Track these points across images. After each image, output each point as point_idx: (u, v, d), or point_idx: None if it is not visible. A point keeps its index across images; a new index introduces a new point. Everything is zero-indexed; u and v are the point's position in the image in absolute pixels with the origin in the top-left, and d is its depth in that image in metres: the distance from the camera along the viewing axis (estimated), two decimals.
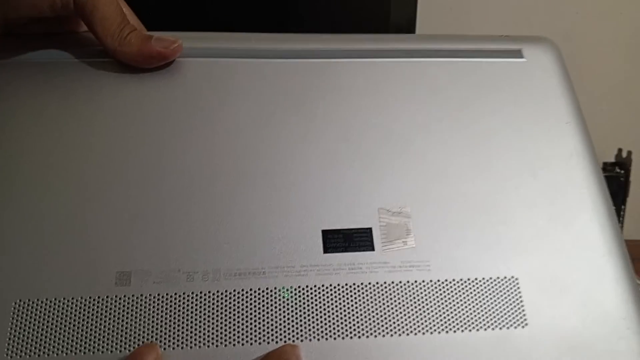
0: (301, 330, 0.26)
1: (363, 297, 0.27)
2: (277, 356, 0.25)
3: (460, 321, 0.27)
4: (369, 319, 0.27)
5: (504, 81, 0.34)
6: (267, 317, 0.26)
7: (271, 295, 0.27)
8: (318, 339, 0.26)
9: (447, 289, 0.28)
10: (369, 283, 0.27)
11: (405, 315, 0.27)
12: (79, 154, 0.29)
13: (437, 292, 0.28)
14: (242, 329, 0.26)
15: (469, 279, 0.28)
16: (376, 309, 0.27)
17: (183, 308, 0.26)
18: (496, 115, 0.33)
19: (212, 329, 0.26)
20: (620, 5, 0.80)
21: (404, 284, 0.28)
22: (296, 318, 0.26)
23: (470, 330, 0.27)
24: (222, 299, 0.26)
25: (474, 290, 0.28)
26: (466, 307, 0.27)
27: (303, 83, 0.32)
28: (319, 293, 0.27)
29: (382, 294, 0.27)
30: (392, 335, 0.27)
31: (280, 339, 0.26)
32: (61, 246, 0.27)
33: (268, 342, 0.26)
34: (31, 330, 0.25)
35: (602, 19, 0.80)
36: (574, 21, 0.80)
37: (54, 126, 0.30)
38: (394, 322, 0.27)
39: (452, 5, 0.79)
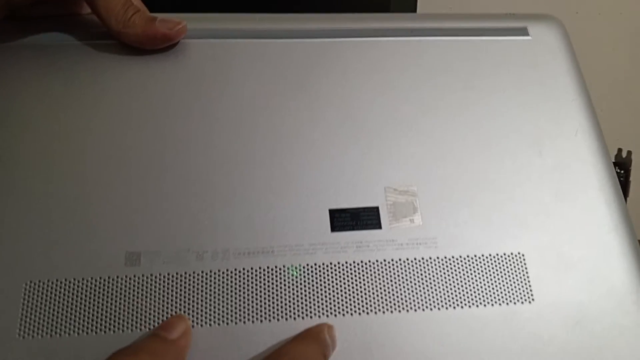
0: (310, 308, 0.26)
1: (371, 274, 0.27)
2: (314, 334, 0.25)
3: (467, 297, 0.27)
4: (377, 296, 0.27)
5: (509, 59, 0.34)
6: (277, 295, 0.27)
7: (280, 274, 0.27)
8: (327, 316, 0.26)
9: (454, 266, 0.28)
10: (377, 260, 0.28)
11: (412, 291, 0.27)
12: (85, 137, 0.29)
13: (444, 268, 0.28)
14: (252, 307, 0.26)
15: (475, 256, 0.28)
16: (384, 286, 0.27)
17: (193, 287, 0.26)
18: (502, 93, 0.33)
19: (223, 307, 0.26)
20: (620, 5, 0.80)
21: (411, 261, 0.28)
22: (305, 295, 0.27)
23: (477, 306, 0.27)
24: (232, 277, 0.27)
25: (481, 266, 0.28)
26: (473, 283, 0.28)
27: (307, 63, 0.32)
28: (327, 271, 0.27)
29: (390, 271, 0.27)
30: (400, 311, 0.27)
31: (290, 316, 0.26)
32: (70, 228, 0.27)
33: (278, 320, 0.26)
34: (42, 310, 0.25)
35: (602, 19, 0.80)
36: (574, 21, 0.80)
37: (59, 109, 0.30)
38: (402, 299, 0.27)
39: (452, 5, 0.78)
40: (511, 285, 0.28)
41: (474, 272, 0.28)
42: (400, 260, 0.28)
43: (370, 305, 0.27)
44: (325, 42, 0.33)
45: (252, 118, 0.30)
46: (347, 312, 0.27)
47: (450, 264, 0.28)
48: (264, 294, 0.27)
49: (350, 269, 0.27)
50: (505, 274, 0.28)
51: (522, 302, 0.28)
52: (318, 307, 0.27)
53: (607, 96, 0.82)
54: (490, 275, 0.28)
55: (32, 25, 0.32)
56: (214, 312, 0.26)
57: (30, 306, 0.25)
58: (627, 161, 0.73)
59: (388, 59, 0.33)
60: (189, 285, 0.26)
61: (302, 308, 0.26)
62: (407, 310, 0.27)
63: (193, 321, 0.26)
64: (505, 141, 0.31)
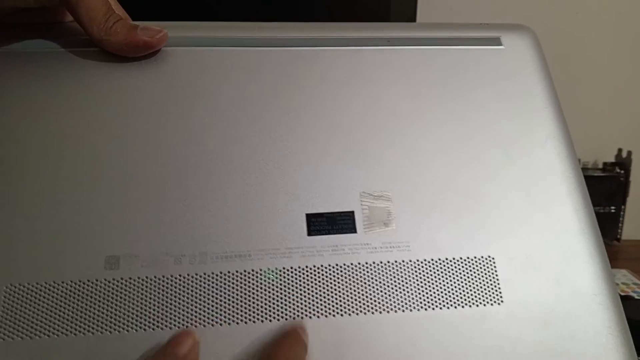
0: (286, 310, 0.27)
1: (345, 277, 0.28)
2: (294, 334, 0.26)
3: (439, 299, 0.28)
4: (351, 298, 0.28)
5: (483, 68, 0.35)
6: (254, 298, 0.27)
7: (257, 277, 0.28)
8: (302, 318, 0.27)
9: (426, 269, 0.29)
10: (351, 263, 0.28)
11: (386, 293, 0.28)
12: (67, 142, 0.29)
13: (416, 271, 0.29)
14: (229, 310, 0.27)
15: (447, 259, 0.29)
16: (358, 288, 0.28)
17: (171, 290, 0.27)
18: (475, 101, 0.33)
19: (200, 310, 0.27)
20: (620, 5, 0.81)
21: (385, 264, 0.29)
22: (281, 298, 0.27)
23: (448, 308, 0.28)
24: (209, 281, 0.27)
25: (452, 269, 0.29)
26: (444, 285, 0.29)
27: (287, 71, 0.33)
28: (303, 274, 0.28)
29: (364, 274, 0.28)
30: (373, 313, 0.28)
31: (266, 319, 0.27)
32: (51, 232, 0.27)
33: (254, 322, 0.27)
34: (22, 313, 0.26)
35: (602, 19, 0.81)
36: (574, 21, 0.81)
37: (41, 115, 0.30)
38: (375, 301, 0.28)
39: (452, 5, 0.79)
40: (481, 287, 0.29)
41: (446, 274, 0.29)
42: (374, 263, 0.29)
43: (345, 307, 0.28)
44: (304, 51, 0.34)
45: (231, 124, 0.31)
46: (323, 314, 0.27)
47: (423, 267, 0.29)
48: (241, 297, 0.27)
49: (326, 272, 0.28)
50: (475, 277, 0.29)
51: (492, 304, 0.28)
52: (294, 309, 0.27)
53: (607, 96, 0.83)
54: (461, 277, 0.29)
55: (14, 33, 0.32)
56: (192, 315, 0.27)
57: (11, 309, 0.26)
58: (627, 161, 0.75)
59: (366, 67, 0.34)
60: (167, 288, 0.27)
61: (278, 310, 0.27)
62: (381, 312, 0.28)
63: (170, 324, 0.26)
64: (477, 148, 0.32)
